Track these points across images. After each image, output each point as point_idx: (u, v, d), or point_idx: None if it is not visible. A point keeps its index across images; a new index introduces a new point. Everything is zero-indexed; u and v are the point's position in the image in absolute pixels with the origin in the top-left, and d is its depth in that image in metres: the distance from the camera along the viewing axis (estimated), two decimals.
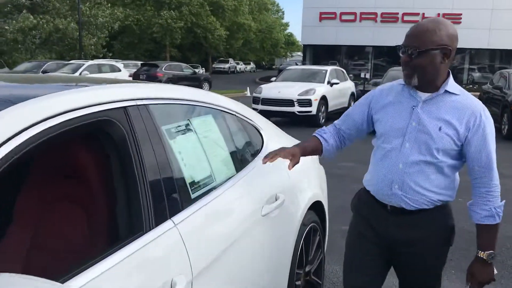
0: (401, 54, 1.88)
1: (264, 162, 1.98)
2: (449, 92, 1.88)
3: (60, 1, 30.02)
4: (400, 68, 1.94)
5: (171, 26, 40.90)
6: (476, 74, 32.34)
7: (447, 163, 1.90)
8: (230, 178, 2.13)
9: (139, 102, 1.73)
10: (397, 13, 30.25)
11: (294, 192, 2.59)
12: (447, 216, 2.01)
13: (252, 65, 59.67)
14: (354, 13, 32.10)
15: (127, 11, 37.52)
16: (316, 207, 2.90)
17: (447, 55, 1.83)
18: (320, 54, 34.56)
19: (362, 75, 20.86)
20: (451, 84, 1.91)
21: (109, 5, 33.21)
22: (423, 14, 30.07)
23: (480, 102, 1.91)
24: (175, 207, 1.70)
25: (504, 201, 1.92)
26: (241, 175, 2.20)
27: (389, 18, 31.00)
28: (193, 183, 1.84)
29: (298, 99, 12.36)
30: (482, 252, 1.90)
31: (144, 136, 1.67)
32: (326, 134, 2.18)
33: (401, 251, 2.02)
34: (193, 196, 1.82)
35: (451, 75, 1.93)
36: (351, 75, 22.30)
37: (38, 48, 29.79)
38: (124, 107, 1.65)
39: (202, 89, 17.80)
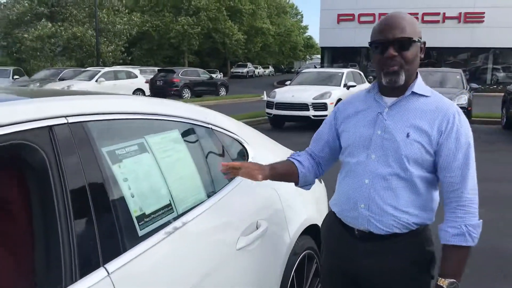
0: (374, 51, 1.63)
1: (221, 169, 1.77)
2: (417, 94, 1.65)
3: (77, 8, 30.23)
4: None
5: (188, 32, 40.90)
6: (501, 74, 31.38)
7: (420, 176, 1.62)
8: (197, 206, 1.79)
9: (72, 119, 1.41)
10: (417, 14, 29.47)
11: (283, 217, 2.23)
12: (424, 243, 1.68)
13: (271, 68, 59.30)
14: (373, 15, 31.47)
15: (144, 17, 37.63)
16: (312, 230, 2.54)
17: (422, 50, 1.66)
18: (339, 56, 34.04)
19: None
20: (419, 85, 1.66)
21: (127, 11, 33.37)
22: (444, 13, 29.37)
23: (455, 104, 1.65)
24: (113, 250, 1.37)
25: (481, 220, 1.58)
26: (212, 201, 1.86)
27: None
28: (142, 217, 1.51)
29: (313, 103, 11.98)
30: (443, 280, 1.57)
31: (73, 162, 1.35)
32: (300, 156, 1.91)
33: (374, 283, 1.70)
34: (141, 233, 1.49)
35: (419, 76, 1.68)
36: (370, 77, 21.81)
37: (57, 55, 30.09)
38: (50, 127, 1.34)
39: (218, 94, 17.50)
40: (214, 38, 45.20)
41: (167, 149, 1.76)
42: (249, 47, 50.95)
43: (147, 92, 20.64)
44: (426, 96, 1.64)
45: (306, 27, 79.61)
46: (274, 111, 12.31)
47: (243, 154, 2.29)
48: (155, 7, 42.42)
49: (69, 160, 1.34)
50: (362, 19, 31.92)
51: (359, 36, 31.89)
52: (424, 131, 1.58)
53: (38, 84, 19.05)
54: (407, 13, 1.65)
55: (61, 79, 20.20)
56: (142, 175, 1.58)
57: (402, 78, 1.59)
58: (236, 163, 1.75)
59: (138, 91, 20.18)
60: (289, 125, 12.93)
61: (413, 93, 1.63)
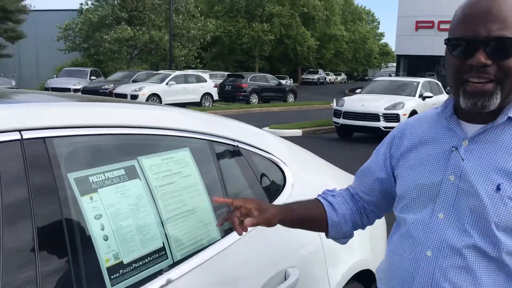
0: (452, 51, 1.10)
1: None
2: None
3: (155, 13, 31.14)
4: None
5: (262, 38, 40.98)
6: None
7: None
8: (204, 249, 1.38)
9: (29, 134, 1.06)
10: None
11: (322, 261, 1.78)
12: None
13: (343, 76, 58.06)
14: None
15: (217, 21, 38.16)
16: (364, 276, 2.06)
17: None
18: (416, 65, 32.51)
19: None
20: None
21: (202, 17, 33.96)
22: None
23: None
24: None
25: None
26: (225, 242, 1.45)
27: None
28: (117, 268, 1.13)
29: (384, 114, 11.25)
30: None
31: (19, 194, 0.99)
32: (336, 198, 1.34)
33: None
34: None
35: None
36: (449, 88, 20.44)
37: (133, 58, 31.22)
38: None
39: (286, 100, 16.99)
40: (286, 44, 44.94)
41: (169, 174, 1.37)
42: (322, 53, 50.16)
43: (215, 96, 20.71)
44: None
45: (382, 34, 77.38)
46: (342, 121, 11.71)
47: (281, 179, 1.86)
48: (229, 12, 42.89)
49: (12, 191, 0.99)
50: (442, 26, 30.25)
51: (439, 44, 30.20)
52: None
53: (112, 85, 19.67)
54: None
55: (134, 81, 20.73)
56: (125, 209, 1.20)
57: (495, 102, 1.04)
58: (228, 200, 1.18)
59: (207, 95, 20.27)
60: (358, 135, 12.27)
61: (510, 119, 1.07)
